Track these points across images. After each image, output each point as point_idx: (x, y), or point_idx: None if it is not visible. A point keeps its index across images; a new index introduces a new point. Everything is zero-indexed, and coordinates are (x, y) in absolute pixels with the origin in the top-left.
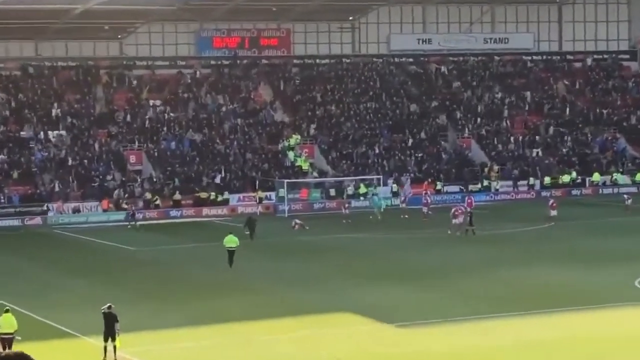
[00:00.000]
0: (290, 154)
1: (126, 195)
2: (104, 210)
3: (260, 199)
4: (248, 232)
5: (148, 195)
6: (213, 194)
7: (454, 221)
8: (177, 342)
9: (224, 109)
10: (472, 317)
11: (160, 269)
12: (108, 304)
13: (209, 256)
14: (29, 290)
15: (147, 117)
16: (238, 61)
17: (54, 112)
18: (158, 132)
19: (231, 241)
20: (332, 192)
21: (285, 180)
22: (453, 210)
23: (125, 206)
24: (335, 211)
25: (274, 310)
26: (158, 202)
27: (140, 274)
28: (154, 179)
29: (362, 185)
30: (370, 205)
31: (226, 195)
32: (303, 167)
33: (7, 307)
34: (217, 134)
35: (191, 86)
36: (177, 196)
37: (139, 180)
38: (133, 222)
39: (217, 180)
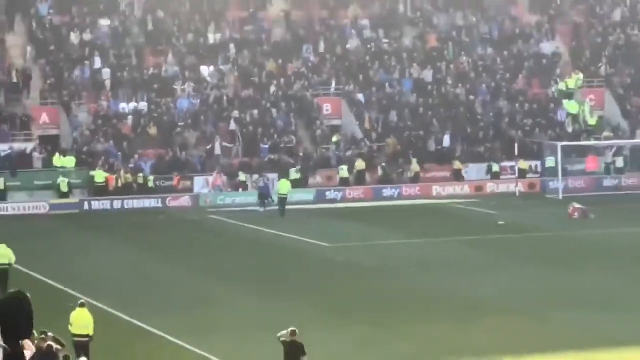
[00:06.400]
0: (570, 104)
1: (311, 163)
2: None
3: (523, 172)
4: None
5: (359, 164)
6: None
7: None
8: None
9: (463, 32)
10: None
11: (373, 278)
12: (291, 329)
13: (449, 258)
14: (176, 305)
15: (347, 46)
16: None
17: (210, 37)
18: (365, 68)
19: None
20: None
21: (560, 144)
22: None
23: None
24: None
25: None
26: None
27: (343, 285)
28: (362, 139)
29: None
30: None
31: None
32: (589, 122)
33: (82, 301)
34: (451, 71)
35: None
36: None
37: (336, 138)
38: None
39: (446, 142)
